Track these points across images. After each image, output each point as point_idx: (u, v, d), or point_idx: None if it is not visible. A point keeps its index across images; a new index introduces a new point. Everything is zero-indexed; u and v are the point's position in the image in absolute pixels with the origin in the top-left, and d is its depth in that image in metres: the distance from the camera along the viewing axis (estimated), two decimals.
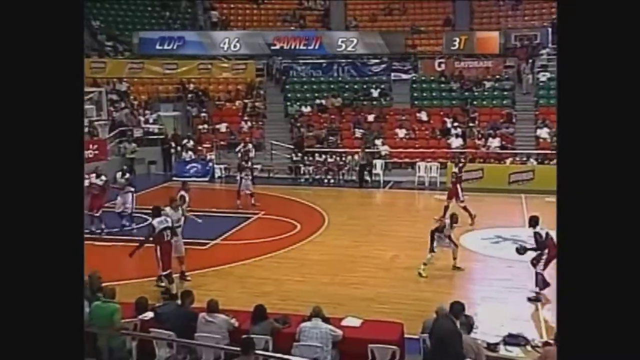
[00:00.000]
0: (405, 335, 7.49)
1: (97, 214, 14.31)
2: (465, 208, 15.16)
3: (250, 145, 21.85)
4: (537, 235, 10.00)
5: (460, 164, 16.52)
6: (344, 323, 7.55)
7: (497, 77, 25.69)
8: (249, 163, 18.54)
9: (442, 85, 26.13)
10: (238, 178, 17.48)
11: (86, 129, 21.61)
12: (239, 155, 20.38)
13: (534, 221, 10.19)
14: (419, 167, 21.25)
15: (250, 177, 17.57)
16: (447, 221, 11.74)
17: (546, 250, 9.84)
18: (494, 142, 22.32)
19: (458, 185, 15.66)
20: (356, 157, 21.43)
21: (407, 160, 22.46)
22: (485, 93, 25.28)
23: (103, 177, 14.70)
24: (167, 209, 10.95)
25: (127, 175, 15.46)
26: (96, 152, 21.14)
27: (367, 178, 21.11)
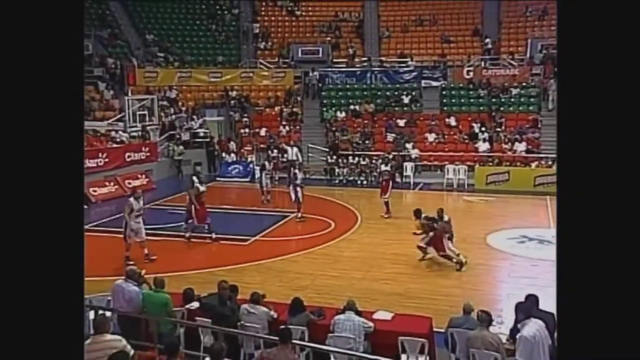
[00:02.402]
0: (434, 329, 7.42)
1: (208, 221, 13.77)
2: (386, 203, 15.95)
3: (289, 148, 21.99)
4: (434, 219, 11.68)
5: (392, 163, 17.63)
6: (375, 316, 7.52)
7: (524, 84, 25.22)
8: (270, 164, 18.63)
9: (470, 92, 25.77)
10: (260, 177, 17.99)
11: (139, 133, 22.13)
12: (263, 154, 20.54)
13: (439, 211, 11.92)
14: (448, 170, 21.03)
15: (269, 176, 17.92)
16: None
17: (431, 234, 11.65)
18: (520, 146, 21.91)
19: (390, 182, 16.40)
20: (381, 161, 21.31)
21: (436, 163, 22.25)
22: (512, 99, 24.82)
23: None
24: (131, 199, 12.18)
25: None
26: (148, 153, 21.62)
27: (398, 180, 21.02)
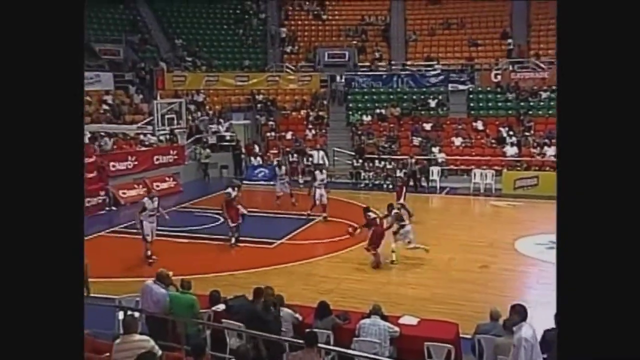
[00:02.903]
0: (461, 335, 7.34)
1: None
2: (404, 207, 15.77)
3: (315, 152, 22.08)
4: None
5: (406, 170, 17.66)
6: (401, 321, 7.48)
7: (554, 87, 24.80)
8: (283, 169, 18.54)
9: (498, 96, 25.47)
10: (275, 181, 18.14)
11: (168, 136, 22.43)
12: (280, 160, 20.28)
13: (365, 210, 12.88)
14: (475, 174, 20.78)
15: (284, 181, 18.01)
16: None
17: (372, 229, 12.20)
18: (549, 151, 21.49)
19: (404, 188, 16.52)
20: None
21: (463, 167, 22.03)
22: (541, 103, 24.44)
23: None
24: (145, 198, 12.79)
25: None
26: (176, 156, 21.88)
27: (424, 184, 20.96)
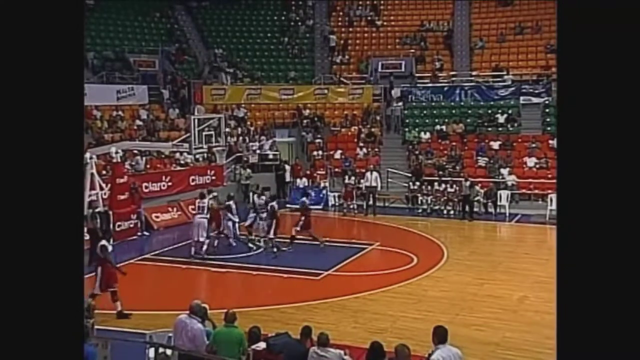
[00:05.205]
0: None
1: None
2: (294, 238, 15.99)
3: (368, 174, 22.00)
4: None
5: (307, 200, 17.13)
6: None
7: None
8: (262, 198, 16.63)
9: None
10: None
11: (205, 155, 22.86)
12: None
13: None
14: (552, 200, 20.19)
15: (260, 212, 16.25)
16: None
17: None
18: None
19: (303, 216, 16.08)
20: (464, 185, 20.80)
21: (537, 191, 21.51)
22: None
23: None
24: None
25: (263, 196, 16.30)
26: (213, 177, 22.26)
27: (491, 210, 20.56)
